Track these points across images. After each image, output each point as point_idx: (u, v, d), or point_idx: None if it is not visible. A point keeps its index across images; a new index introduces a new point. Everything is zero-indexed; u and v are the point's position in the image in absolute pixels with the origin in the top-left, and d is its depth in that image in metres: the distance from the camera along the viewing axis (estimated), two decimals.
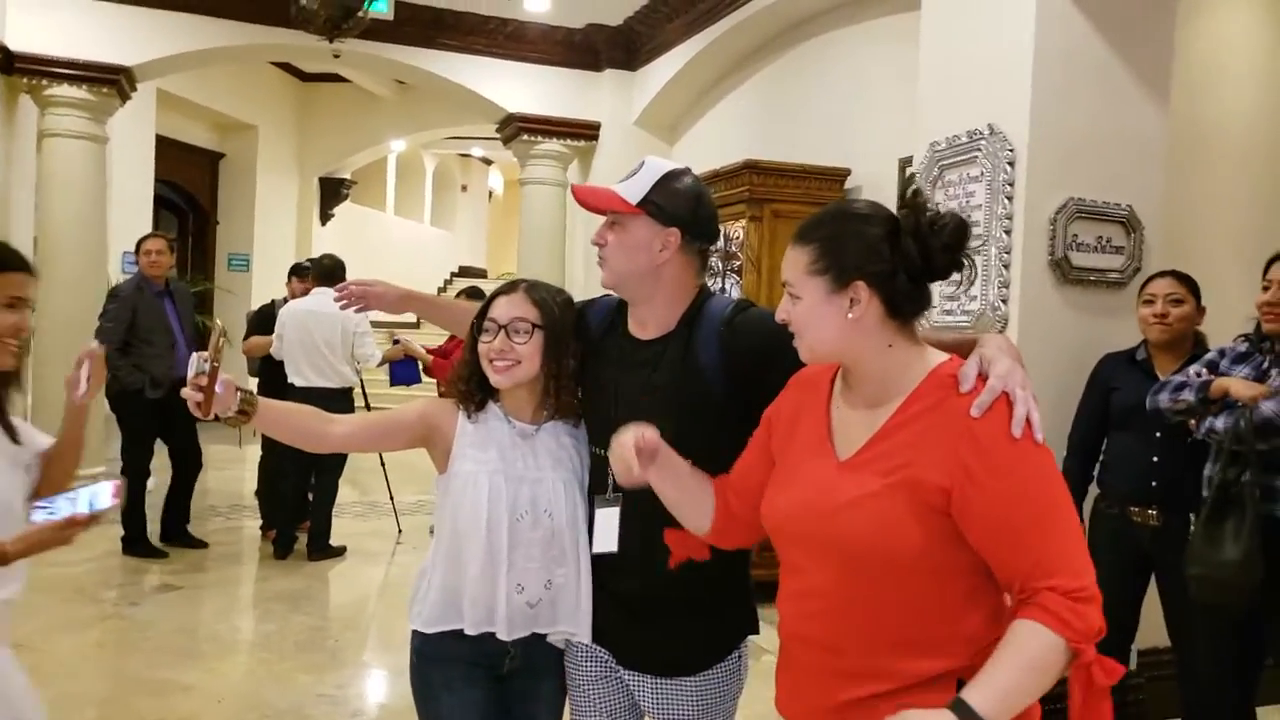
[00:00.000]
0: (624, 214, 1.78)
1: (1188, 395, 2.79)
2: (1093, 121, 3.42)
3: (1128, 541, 3.07)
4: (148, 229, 9.25)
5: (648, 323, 1.84)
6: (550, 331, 1.82)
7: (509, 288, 1.88)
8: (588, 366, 1.88)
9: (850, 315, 1.39)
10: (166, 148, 9.65)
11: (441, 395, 1.92)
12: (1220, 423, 2.71)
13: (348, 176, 12.64)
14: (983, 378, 1.36)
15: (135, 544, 5.51)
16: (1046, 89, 3.35)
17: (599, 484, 1.84)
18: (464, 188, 18.61)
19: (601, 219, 1.84)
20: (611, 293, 1.93)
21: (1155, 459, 3.01)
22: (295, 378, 5.48)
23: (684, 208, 1.79)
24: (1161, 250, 3.54)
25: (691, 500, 1.68)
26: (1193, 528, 2.81)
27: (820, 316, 1.41)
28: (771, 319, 1.56)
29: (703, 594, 1.83)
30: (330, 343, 5.51)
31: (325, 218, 12.44)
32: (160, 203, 10.07)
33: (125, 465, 5.53)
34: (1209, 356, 2.91)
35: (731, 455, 1.70)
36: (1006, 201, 3.37)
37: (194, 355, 1.63)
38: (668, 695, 1.85)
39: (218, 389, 1.62)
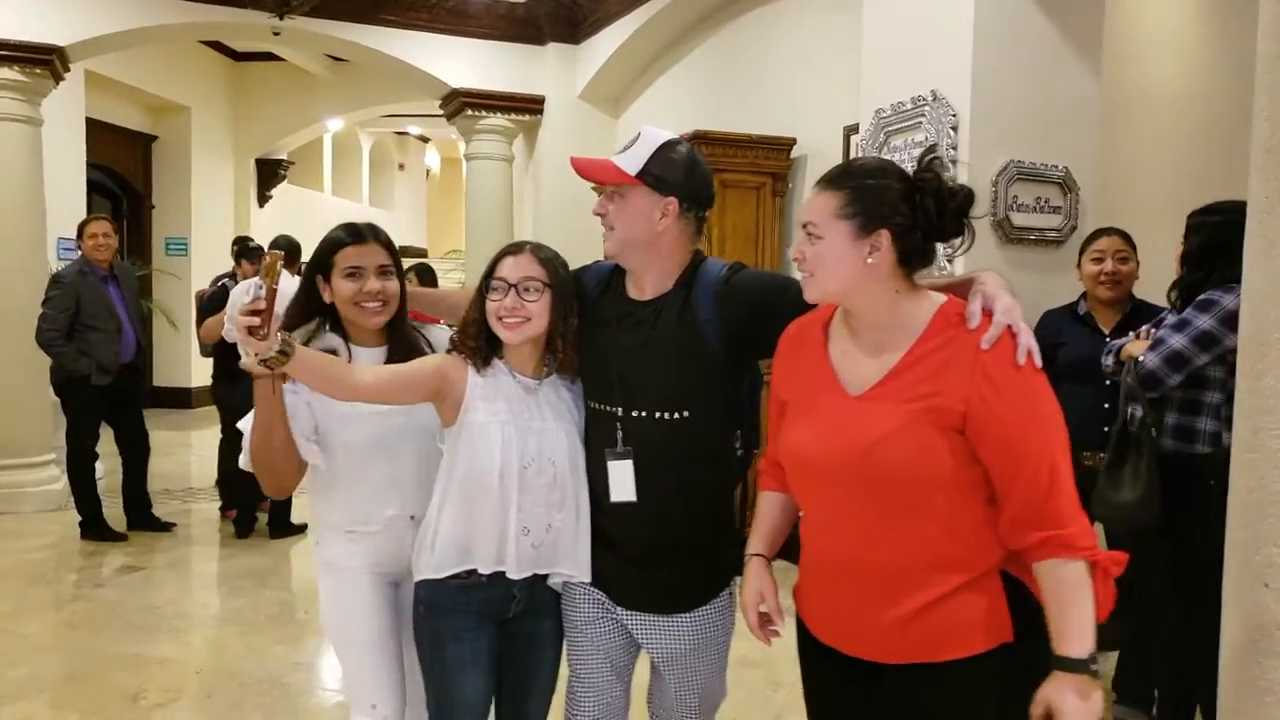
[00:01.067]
0: (624, 185, 1.88)
1: (1107, 359, 3.02)
2: (1030, 87, 3.58)
3: (1077, 483, 3.26)
4: (81, 214, 9.02)
5: (645, 285, 1.95)
6: (558, 290, 1.93)
7: (515, 248, 1.98)
8: (585, 327, 1.98)
9: (869, 260, 1.54)
10: (97, 130, 9.42)
11: (450, 351, 2.00)
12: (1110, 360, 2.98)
13: (284, 157, 12.46)
14: (987, 313, 1.52)
15: (92, 527, 5.47)
16: (986, 56, 3.50)
17: (605, 438, 1.93)
18: (401, 166, 18.43)
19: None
20: (599, 260, 2.06)
21: (1107, 405, 3.19)
22: None
23: (680, 176, 1.90)
24: (1096, 210, 3.73)
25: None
26: None
27: (841, 257, 1.55)
28: (766, 279, 1.73)
29: (699, 537, 1.96)
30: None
31: (263, 199, 12.27)
32: (93, 187, 9.84)
33: (71, 452, 5.48)
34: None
35: (722, 406, 1.87)
36: (950, 165, 3.52)
37: (246, 282, 1.66)
38: (667, 632, 1.98)
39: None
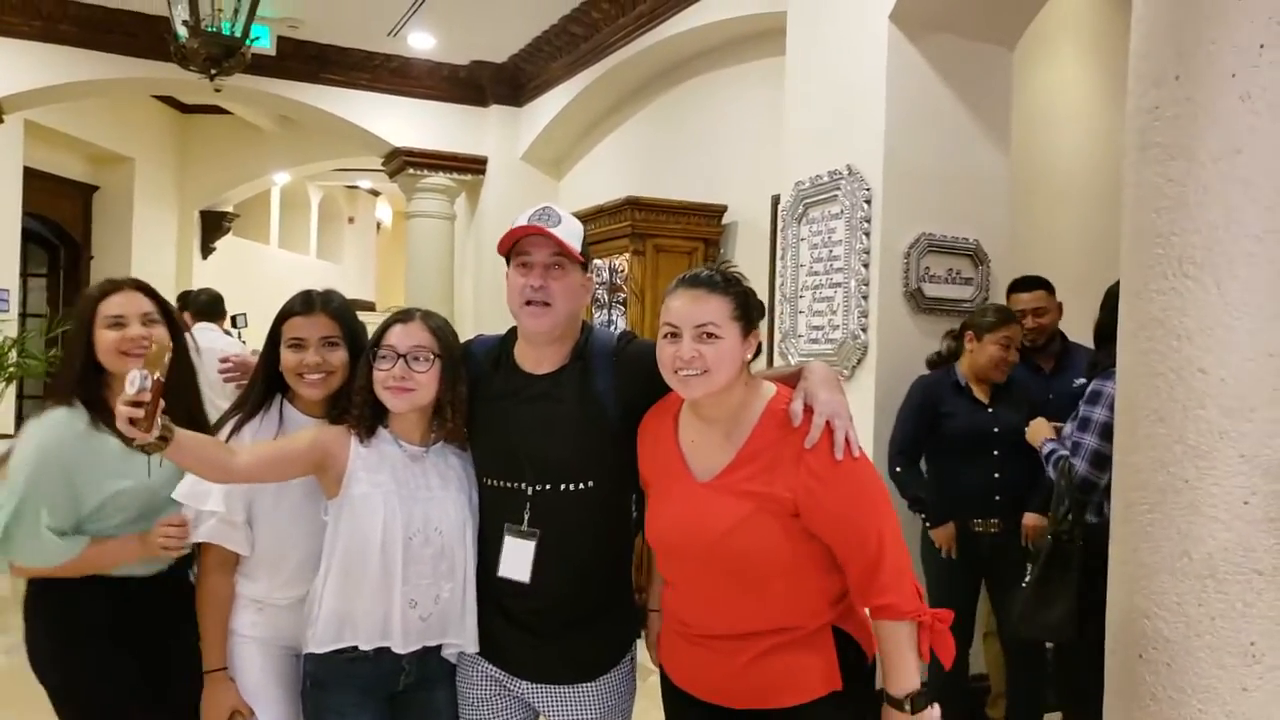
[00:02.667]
0: (572, 260, 1.92)
1: (1050, 470, 3.00)
2: (941, 162, 3.72)
3: (965, 550, 3.35)
4: (15, 265, 8.95)
5: (544, 359, 1.96)
6: (446, 359, 1.94)
7: (404, 316, 1.98)
8: (478, 403, 1.98)
9: (747, 356, 1.76)
10: (35, 180, 9.32)
11: (331, 421, 1.99)
12: (1053, 473, 2.94)
13: (230, 209, 12.41)
14: (809, 410, 1.71)
15: None
16: (898, 132, 3.63)
17: (507, 514, 1.93)
18: (351, 220, 18.38)
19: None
20: (482, 334, 2.09)
21: (997, 475, 3.30)
22: None
23: (587, 254, 1.98)
24: (1006, 280, 3.85)
25: None
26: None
27: (736, 356, 1.73)
28: (651, 346, 1.81)
29: (601, 606, 1.97)
30: (211, 380, 5.46)
31: (206, 251, 12.16)
32: (29, 236, 9.72)
33: None
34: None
35: (622, 472, 1.93)
36: (864, 237, 3.63)
37: (133, 372, 1.62)
38: (572, 702, 1.97)
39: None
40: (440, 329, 1.97)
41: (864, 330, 3.64)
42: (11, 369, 7.46)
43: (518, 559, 1.91)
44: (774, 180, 4.71)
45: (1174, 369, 1.85)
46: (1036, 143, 4.49)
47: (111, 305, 2.06)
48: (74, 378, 2.05)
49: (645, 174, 6.38)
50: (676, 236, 5.35)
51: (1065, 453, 2.90)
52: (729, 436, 1.76)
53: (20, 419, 9.43)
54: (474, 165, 7.71)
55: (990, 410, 3.37)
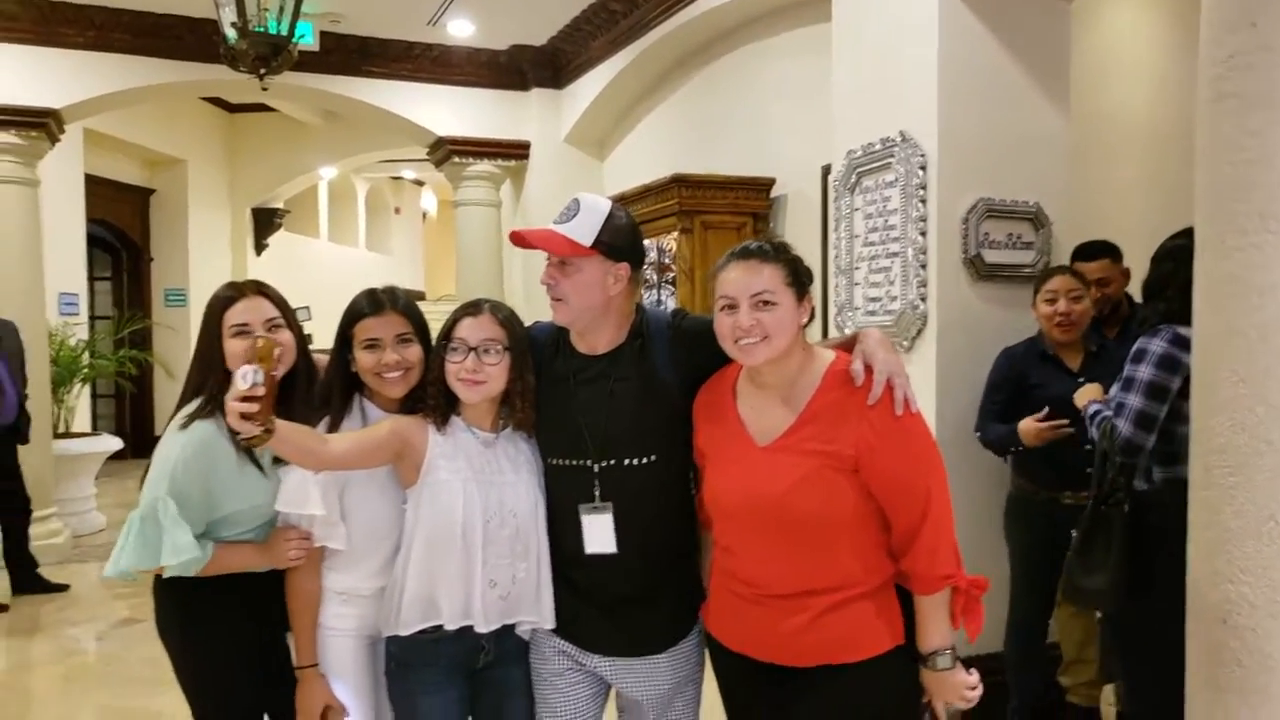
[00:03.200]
0: (579, 256, 1.94)
1: (1092, 430, 2.94)
2: (998, 123, 3.63)
3: (1052, 523, 3.24)
4: (82, 270, 9.20)
5: (598, 342, 2.01)
6: (516, 350, 1.99)
7: (473, 309, 2.02)
8: (542, 386, 2.03)
9: (803, 322, 1.81)
10: (96, 186, 9.56)
11: (407, 413, 2.04)
12: (1095, 434, 2.86)
13: (280, 206, 12.59)
14: (869, 370, 1.77)
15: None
16: (952, 96, 3.56)
17: (578, 493, 1.98)
18: (397, 210, 18.55)
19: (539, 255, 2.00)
20: (540, 320, 2.13)
21: (1089, 446, 3.19)
22: None
23: (627, 241, 1.99)
24: (1070, 243, 3.76)
25: None
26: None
27: (792, 322, 1.80)
28: (709, 322, 1.88)
29: (669, 578, 2.02)
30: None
31: (260, 248, 12.37)
32: (93, 242, 9.97)
33: None
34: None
35: (683, 446, 1.97)
36: (920, 204, 3.58)
37: (244, 367, 1.68)
38: (647, 674, 2.03)
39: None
40: (508, 320, 2.02)
41: (923, 300, 3.58)
42: (85, 370, 7.67)
43: (600, 533, 1.97)
44: (823, 150, 4.66)
45: (1256, 327, 1.80)
46: (1095, 98, 4.38)
47: (235, 314, 2.10)
48: (213, 390, 2.06)
49: (691, 150, 6.34)
50: (724, 212, 5.31)
51: (1109, 413, 2.83)
52: (788, 401, 1.83)
53: (96, 418, 9.71)
54: (518, 150, 7.72)
55: (1080, 379, 3.22)
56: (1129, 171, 4.59)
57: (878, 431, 1.75)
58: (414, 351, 2.07)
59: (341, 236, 15.99)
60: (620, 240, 1.96)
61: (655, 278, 5.50)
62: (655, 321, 2.04)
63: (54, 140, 6.71)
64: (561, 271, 1.95)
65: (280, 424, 1.80)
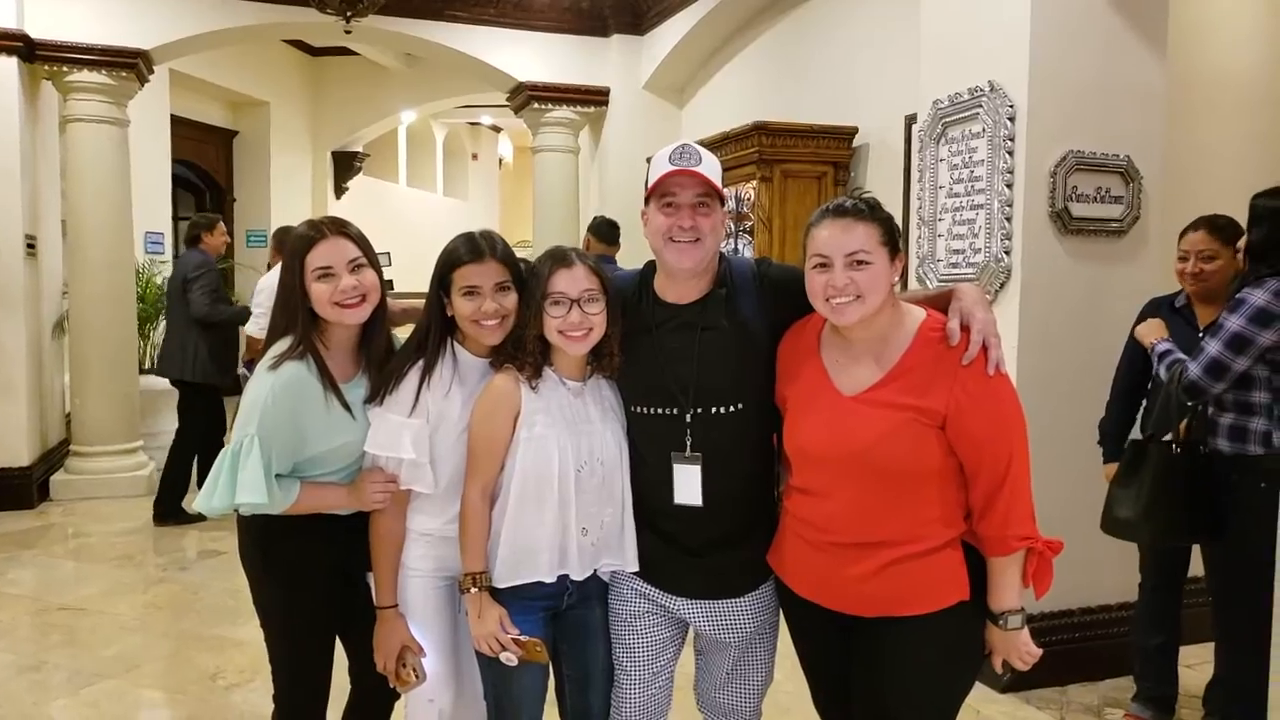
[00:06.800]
0: (717, 197, 1.97)
1: (1158, 367, 2.96)
2: (1091, 75, 3.51)
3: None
4: (167, 210, 9.44)
5: (688, 290, 2.02)
6: (611, 297, 2.01)
7: (564, 260, 2.01)
8: (626, 335, 2.04)
9: (895, 280, 1.82)
10: (181, 127, 9.76)
11: (499, 365, 2.05)
12: (1164, 374, 2.88)
13: (360, 149, 12.73)
14: (965, 329, 1.77)
15: (173, 515, 5.75)
16: (1045, 45, 3.45)
17: (668, 442, 2.00)
18: (474, 156, 18.63)
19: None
20: (618, 269, 2.15)
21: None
22: None
23: (724, 189, 2.01)
24: (1163, 199, 3.65)
25: None
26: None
27: (885, 281, 1.80)
28: (795, 270, 1.90)
29: (752, 524, 2.05)
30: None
31: (340, 191, 12.55)
32: (178, 182, 10.20)
33: (191, 446, 5.82)
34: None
35: (768, 395, 2.00)
36: (1008, 156, 3.49)
37: (505, 654, 1.91)
38: (732, 616, 2.07)
39: None
40: (598, 268, 2.03)
41: (1007, 253, 3.51)
42: None
43: (688, 484, 1.99)
44: (908, 99, 4.56)
45: None
46: (1195, 51, 4.19)
47: (317, 256, 2.06)
48: (302, 331, 2.07)
49: (771, 98, 6.25)
50: (805, 161, 5.24)
51: (1182, 356, 2.80)
52: (877, 356, 1.83)
53: None
54: (597, 97, 7.68)
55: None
56: (1224, 124, 4.40)
57: (969, 392, 1.76)
58: (511, 300, 2.05)
59: (419, 181, 16.14)
60: (723, 186, 2.00)
61: (733, 226, 5.46)
62: (739, 269, 2.04)
63: (143, 81, 6.86)
64: (700, 213, 1.94)
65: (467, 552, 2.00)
